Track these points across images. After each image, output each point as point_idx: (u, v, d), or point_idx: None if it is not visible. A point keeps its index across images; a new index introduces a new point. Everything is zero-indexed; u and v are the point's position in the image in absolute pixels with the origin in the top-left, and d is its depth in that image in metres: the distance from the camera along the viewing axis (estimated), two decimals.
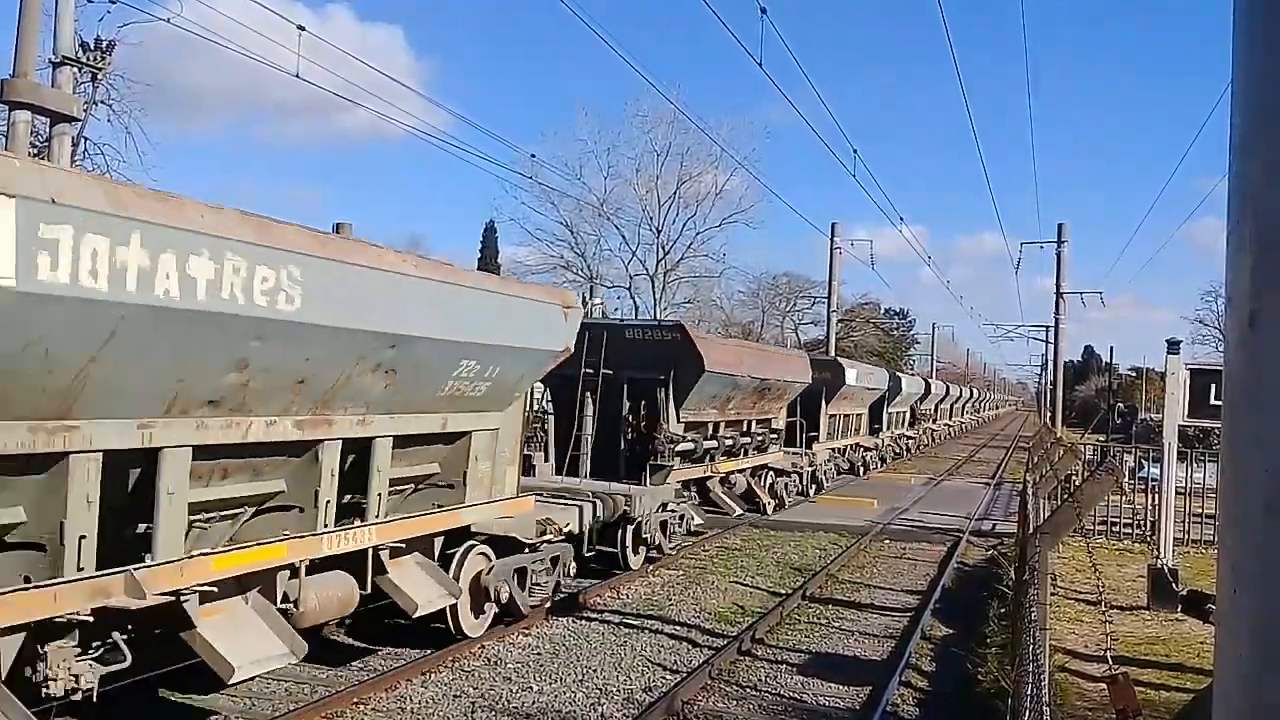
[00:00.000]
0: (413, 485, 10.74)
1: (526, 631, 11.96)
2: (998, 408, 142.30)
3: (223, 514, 8.31)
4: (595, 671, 10.50)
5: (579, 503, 13.74)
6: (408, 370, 9.17)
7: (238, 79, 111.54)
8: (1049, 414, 50.85)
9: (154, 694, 8.79)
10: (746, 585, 15.33)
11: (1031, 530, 10.12)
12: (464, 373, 10.19)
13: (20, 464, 6.38)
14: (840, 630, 12.82)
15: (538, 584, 12.18)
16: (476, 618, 11.21)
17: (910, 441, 45.70)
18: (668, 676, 10.38)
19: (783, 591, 14.84)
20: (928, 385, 53.06)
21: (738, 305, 69.33)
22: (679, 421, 18.25)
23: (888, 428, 39.29)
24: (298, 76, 17.98)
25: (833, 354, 40.29)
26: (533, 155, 42.07)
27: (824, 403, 28.86)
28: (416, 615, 9.93)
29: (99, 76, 17.23)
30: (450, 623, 10.85)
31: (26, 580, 6.50)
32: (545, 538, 12.20)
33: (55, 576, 6.50)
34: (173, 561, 7.20)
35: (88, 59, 14.53)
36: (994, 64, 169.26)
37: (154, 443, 7.07)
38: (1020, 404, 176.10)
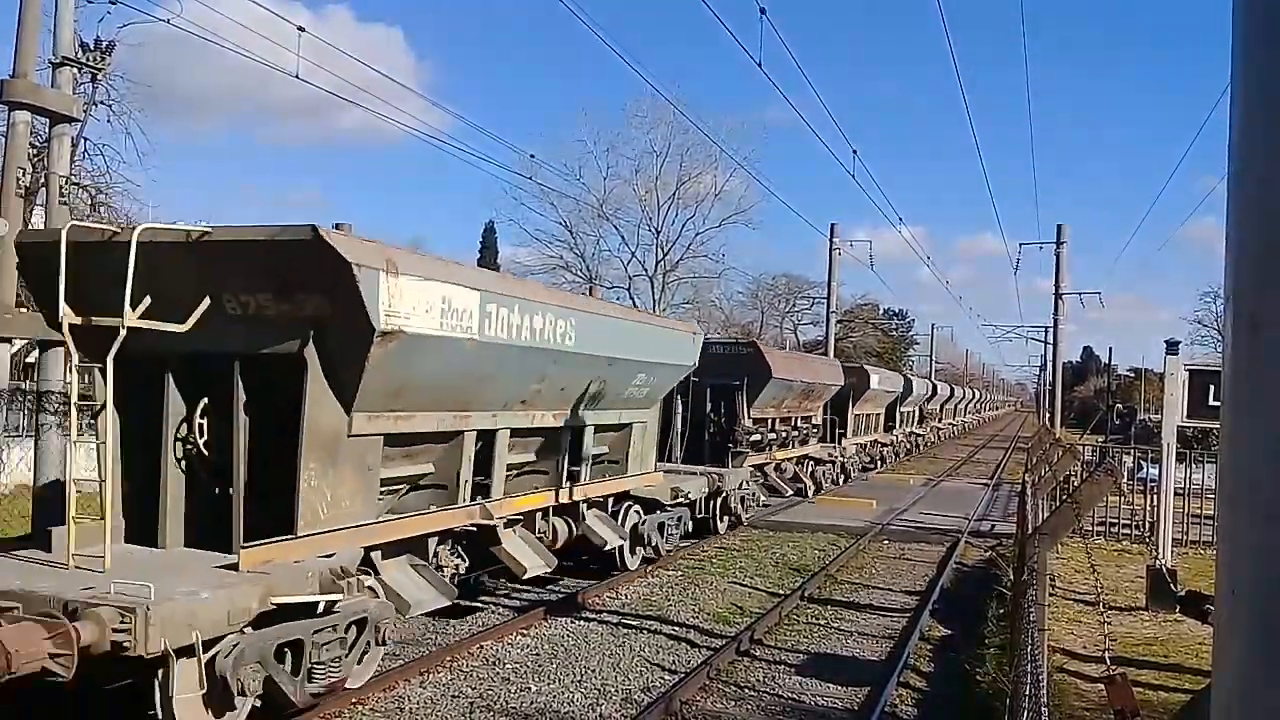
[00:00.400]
0: (596, 461, 14.88)
1: (525, 631, 11.96)
2: (997, 408, 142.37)
3: (515, 473, 12.67)
4: (593, 672, 10.50)
5: (705, 477, 18.22)
6: (612, 381, 13.85)
7: (237, 79, 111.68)
8: (1048, 415, 50.84)
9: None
10: (745, 586, 15.33)
11: (1030, 531, 10.12)
12: (637, 382, 14.81)
13: (439, 437, 10.67)
14: (839, 631, 12.82)
15: (670, 535, 16.50)
16: (634, 556, 15.50)
17: (919, 438, 49.74)
18: (666, 677, 10.38)
19: (781, 592, 14.84)
20: (934, 387, 57.11)
21: (737, 306, 69.45)
22: (750, 419, 22.74)
23: (900, 426, 43.59)
24: (297, 77, 17.98)
25: (831, 355, 40.62)
26: (532, 156, 42.22)
27: (851, 403, 32.90)
28: (606, 549, 14.48)
29: (99, 77, 17.18)
30: (619, 559, 15.20)
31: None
32: (676, 501, 16.45)
33: (450, 505, 10.94)
34: (499, 500, 11.80)
35: (88, 59, 14.48)
36: (993, 64, 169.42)
37: (497, 425, 11.55)
38: (1019, 404, 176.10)
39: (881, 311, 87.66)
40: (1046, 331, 51.69)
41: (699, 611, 13.48)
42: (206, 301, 8.41)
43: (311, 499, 8.71)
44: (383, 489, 9.95)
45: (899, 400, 42.25)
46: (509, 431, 11.84)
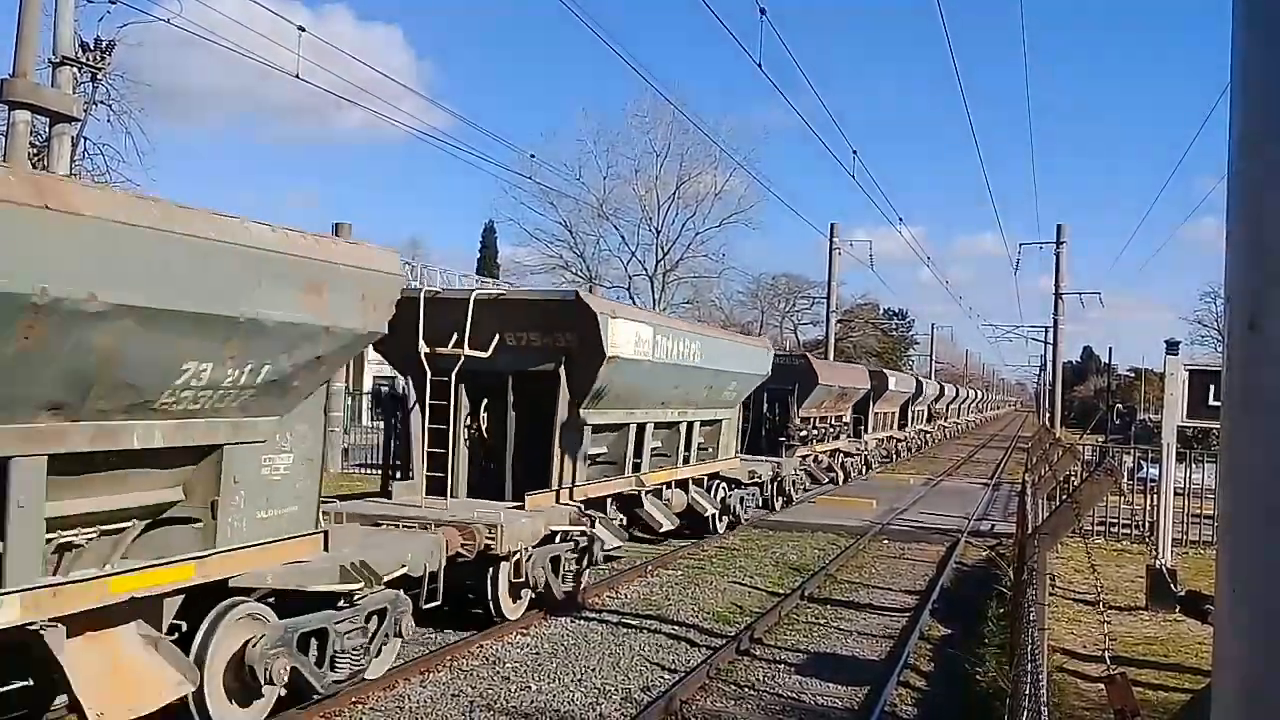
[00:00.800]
0: (700, 448, 18.97)
1: (525, 631, 11.96)
2: (997, 409, 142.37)
3: (651, 455, 16.40)
4: (594, 671, 10.50)
5: (770, 463, 22.73)
6: (715, 387, 18.36)
7: (237, 79, 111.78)
8: (1048, 414, 50.87)
9: None
10: (745, 585, 15.33)
11: (1030, 531, 10.11)
12: (730, 387, 19.29)
13: (614, 429, 15.08)
14: (839, 630, 12.82)
15: (747, 506, 21.14)
16: (721, 522, 19.77)
17: (928, 435, 53.75)
18: (666, 676, 10.38)
19: (781, 591, 14.85)
20: (941, 388, 61.20)
21: (737, 305, 69.60)
22: (798, 417, 26.58)
23: (912, 423, 47.42)
24: (298, 77, 17.99)
25: (831, 355, 40.78)
26: (532, 156, 42.25)
27: (872, 404, 36.42)
28: (705, 516, 18.82)
29: (99, 76, 17.22)
30: (713, 526, 19.31)
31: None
32: (751, 480, 20.92)
33: (618, 476, 15.41)
34: (648, 473, 16.08)
35: (87, 59, 14.52)
36: (993, 64, 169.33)
37: (648, 419, 15.87)
38: (1019, 404, 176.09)
39: (881, 311, 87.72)
40: (1046, 331, 51.80)
41: (699, 611, 13.49)
42: (497, 337, 12.81)
43: (558, 466, 13.29)
44: (589, 463, 14.50)
45: (911, 400, 45.88)
46: (653, 424, 16.19)
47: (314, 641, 8.33)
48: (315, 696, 8.66)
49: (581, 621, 12.58)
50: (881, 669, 10.99)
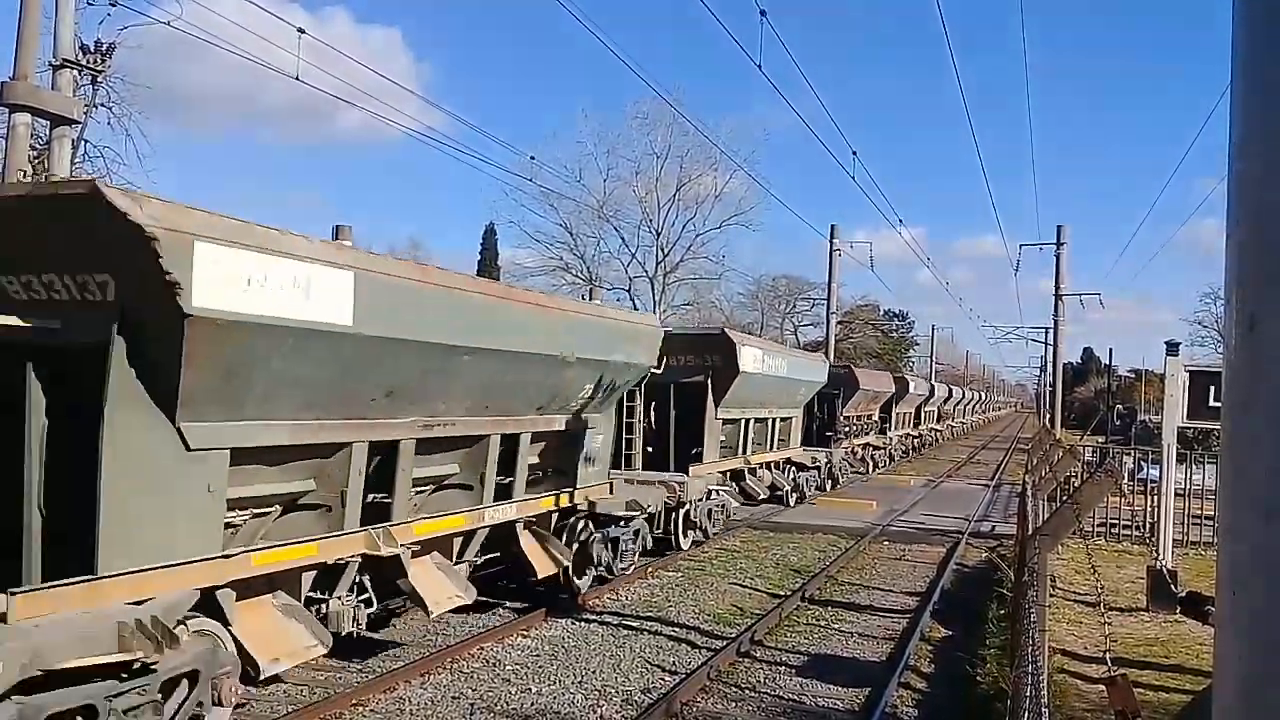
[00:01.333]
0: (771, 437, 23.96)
1: (525, 633, 11.96)
2: (999, 409, 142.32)
3: (751, 443, 21.98)
4: (594, 673, 10.50)
5: (824, 453, 28.49)
6: (791, 392, 23.76)
7: (236, 80, 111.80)
8: (1048, 415, 50.87)
9: None
10: (745, 587, 15.33)
11: (1030, 532, 10.10)
12: (800, 391, 25.11)
13: (733, 423, 20.94)
14: (839, 632, 12.82)
15: (810, 483, 26.52)
16: (793, 498, 25.13)
17: (938, 433, 58.22)
18: (666, 678, 10.38)
19: (782, 593, 14.84)
20: (950, 391, 66.61)
21: (737, 307, 69.54)
22: (843, 416, 32.14)
23: (924, 422, 52.39)
24: (298, 79, 17.98)
25: (831, 356, 40.84)
26: (532, 157, 42.22)
27: (894, 405, 41.57)
28: (783, 490, 24.37)
29: (99, 79, 17.20)
30: (786, 499, 24.58)
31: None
32: (813, 465, 27.04)
33: (733, 457, 21.19)
34: (750, 455, 21.97)
35: (88, 61, 14.50)
36: (993, 65, 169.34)
37: (759, 415, 22.21)
38: (1019, 405, 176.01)
39: (881, 312, 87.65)
40: (1047, 332, 51.75)
41: (699, 612, 13.48)
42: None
43: (707, 448, 19.27)
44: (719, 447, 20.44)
45: (924, 402, 50.91)
46: (754, 419, 22.47)
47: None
48: (319, 697, 8.56)
49: (582, 623, 12.58)
50: (882, 671, 10.98)
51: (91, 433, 6.55)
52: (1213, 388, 14.18)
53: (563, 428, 12.76)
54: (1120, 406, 74.08)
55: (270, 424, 7.84)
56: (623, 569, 14.73)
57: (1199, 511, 19.99)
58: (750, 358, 19.92)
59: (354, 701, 9.15)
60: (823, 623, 13.31)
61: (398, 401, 9.18)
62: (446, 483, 10.98)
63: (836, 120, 72.41)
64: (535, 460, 12.64)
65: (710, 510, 18.62)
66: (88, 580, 6.50)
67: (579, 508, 13.42)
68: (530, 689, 9.89)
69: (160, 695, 6.81)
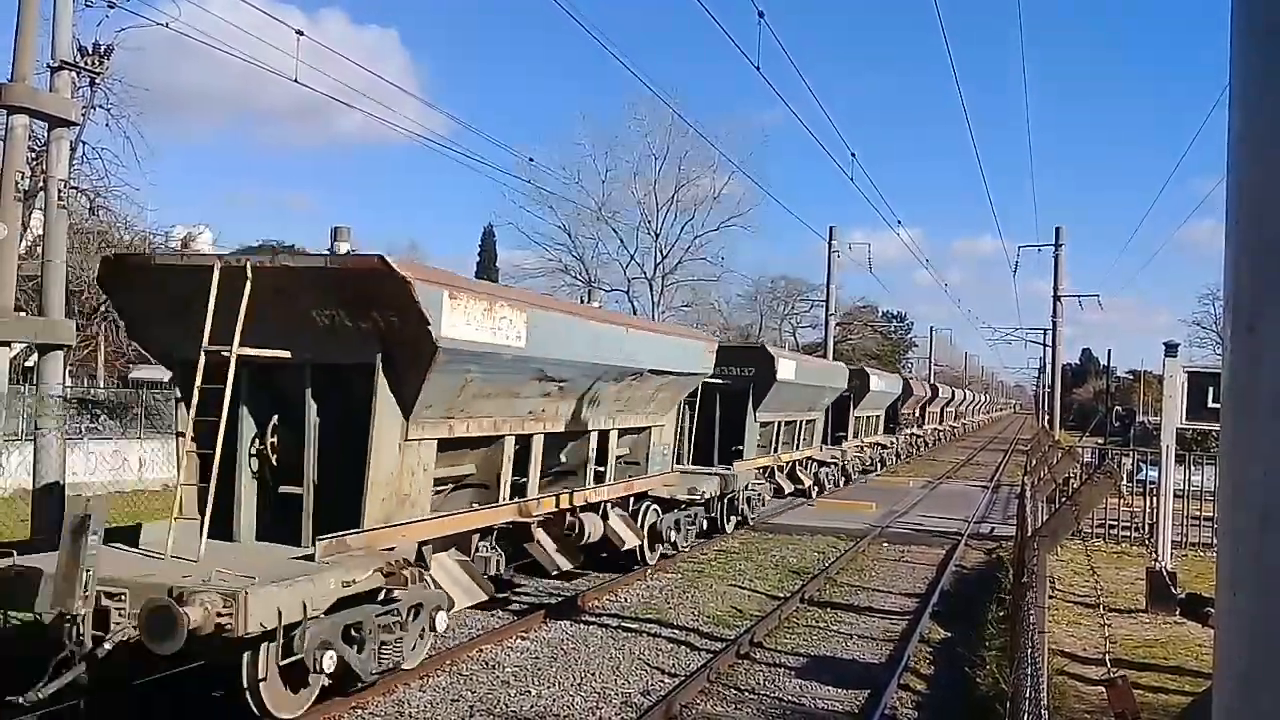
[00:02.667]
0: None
1: (525, 635, 11.95)
2: (999, 410, 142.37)
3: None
4: (593, 675, 10.49)
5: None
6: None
7: (233, 81, 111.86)
8: (1047, 417, 50.92)
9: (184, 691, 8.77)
10: (744, 589, 15.32)
11: (1030, 533, 10.11)
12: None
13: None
14: (839, 633, 12.81)
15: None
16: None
17: (943, 432, 60.49)
18: (666, 680, 10.37)
19: (781, 595, 14.83)
20: (954, 393, 69.83)
21: (736, 309, 69.51)
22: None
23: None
24: (296, 81, 17.99)
25: (830, 358, 40.91)
26: (531, 159, 42.22)
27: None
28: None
29: (97, 81, 17.21)
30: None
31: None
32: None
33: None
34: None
35: (86, 63, 14.48)
36: (991, 67, 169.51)
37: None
38: (1018, 407, 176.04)
39: (880, 314, 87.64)
40: (1045, 334, 51.78)
41: (699, 614, 13.47)
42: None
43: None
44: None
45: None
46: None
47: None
48: (312, 702, 8.66)
49: (581, 625, 12.57)
50: (882, 672, 10.98)
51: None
52: (1211, 389, 14.18)
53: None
54: (1119, 408, 74.11)
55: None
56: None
57: (1198, 513, 19.98)
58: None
59: (353, 704, 9.14)
60: (822, 624, 13.30)
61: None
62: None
63: (835, 121, 72.48)
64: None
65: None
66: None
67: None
68: (529, 691, 9.88)
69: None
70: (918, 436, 50.00)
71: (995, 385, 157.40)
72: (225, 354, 8.55)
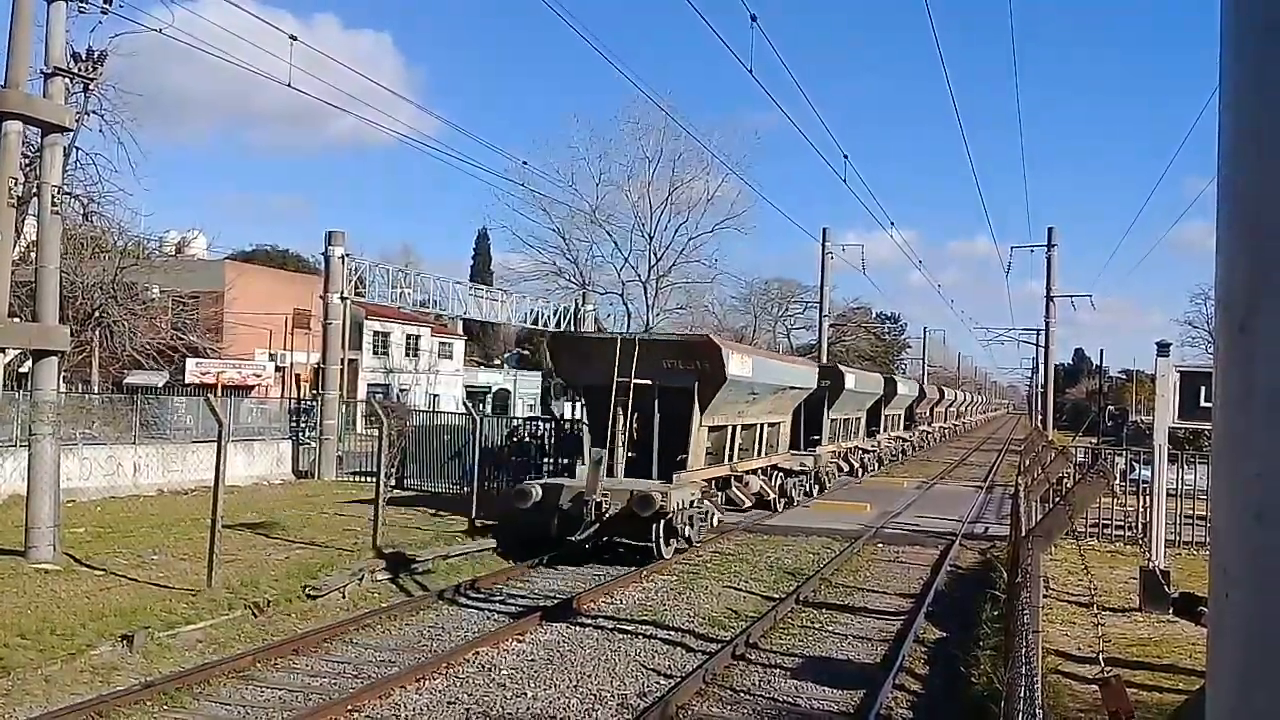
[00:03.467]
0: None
1: (521, 638, 11.95)
2: (993, 410, 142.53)
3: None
4: (589, 677, 10.49)
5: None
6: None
7: (226, 86, 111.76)
8: (1040, 417, 50.97)
9: None
10: (740, 590, 15.33)
11: (1023, 533, 10.12)
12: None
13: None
14: (834, 634, 12.83)
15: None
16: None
17: (929, 435, 60.13)
18: (662, 681, 10.37)
19: (776, 596, 14.84)
20: (941, 393, 68.97)
21: (730, 310, 69.51)
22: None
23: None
24: (290, 85, 17.99)
25: (824, 359, 40.98)
26: (525, 163, 42.07)
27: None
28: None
29: (91, 87, 17.16)
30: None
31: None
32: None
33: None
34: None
35: (80, 69, 14.47)
36: (983, 68, 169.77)
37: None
38: (1011, 407, 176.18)
39: (874, 315, 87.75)
40: (1038, 334, 51.88)
41: (694, 616, 13.48)
42: None
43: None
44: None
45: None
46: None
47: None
48: (314, 702, 8.61)
49: (577, 627, 12.57)
50: (877, 672, 10.99)
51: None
52: (1204, 388, 14.22)
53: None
54: (1112, 407, 74.29)
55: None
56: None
57: (1191, 512, 20.03)
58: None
59: (350, 707, 9.14)
60: (818, 625, 13.31)
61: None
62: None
63: (828, 123, 72.53)
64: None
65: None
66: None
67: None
68: (525, 694, 9.88)
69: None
70: (903, 440, 48.74)
71: (989, 386, 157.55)
72: (622, 381, 17.50)
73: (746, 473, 22.51)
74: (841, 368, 34.89)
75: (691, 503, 18.21)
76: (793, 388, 24.88)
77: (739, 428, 22.01)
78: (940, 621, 13.55)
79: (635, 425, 18.59)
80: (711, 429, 20.23)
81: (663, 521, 16.94)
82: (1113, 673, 4.50)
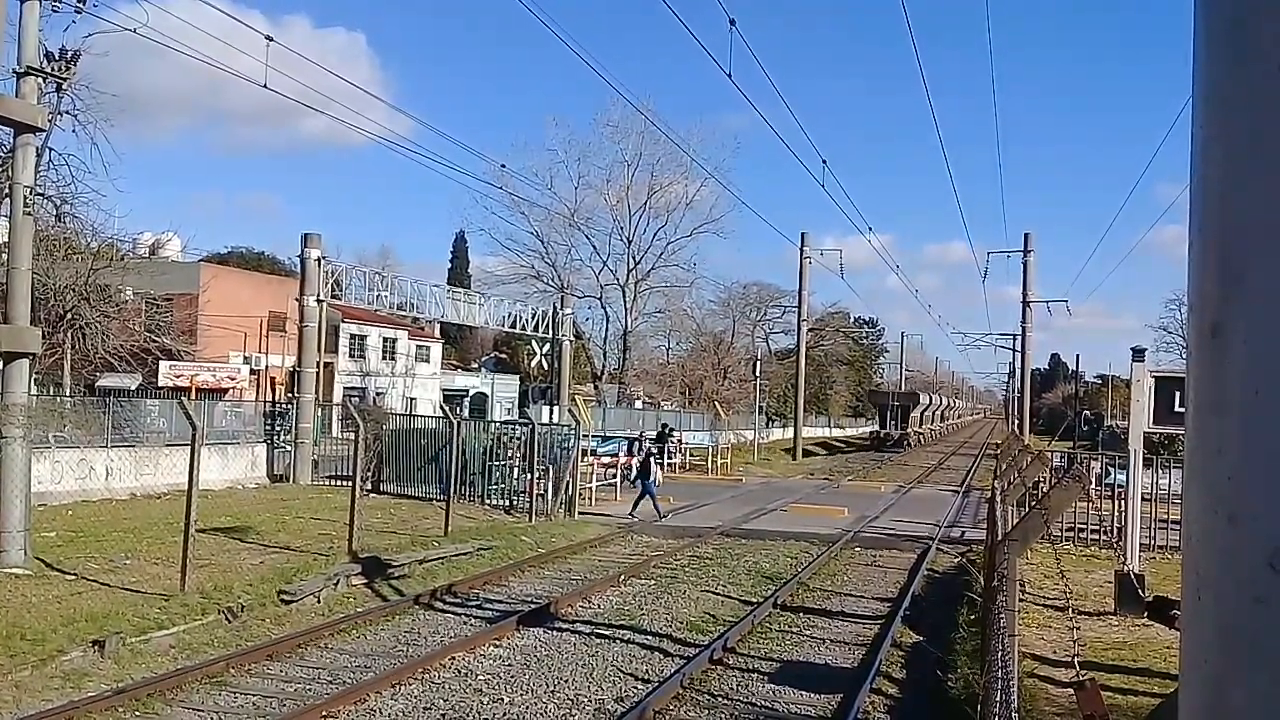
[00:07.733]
0: None
1: (498, 642, 11.90)
2: (970, 415, 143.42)
3: None
4: (567, 682, 10.46)
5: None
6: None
7: (197, 83, 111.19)
8: (1016, 421, 51.32)
9: None
10: (718, 594, 15.33)
11: (1000, 537, 10.17)
12: None
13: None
14: (812, 638, 12.84)
15: None
16: None
17: (918, 435, 65.15)
18: (640, 686, 10.35)
19: (754, 600, 14.85)
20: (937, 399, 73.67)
21: (708, 314, 69.68)
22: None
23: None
24: (265, 86, 17.89)
25: (802, 363, 41.05)
26: (503, 165, 42.13)
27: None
28: None
29: (64, 87, 17.00)
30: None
31: None
32: None
33: None
34: None
35: (53, 69, 14.34)
36: (960, 73, 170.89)
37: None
38: (988, 412, 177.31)
39: (852, 320, 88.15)
40: (1014, 339, 52.26)
41: (672, 620, 13.47)
42: None
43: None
44: None
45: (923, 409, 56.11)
46: None
47: None
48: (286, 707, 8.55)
49: (554, 632, 12.53)
50: (854, 676, 11.01)
51: None
52: (1178, 393, 14.33)
53: None
54: (1087, 412, 74.88)
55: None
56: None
57: (1165, 516, 20.16)
58: None
59: (325, 713, 9.07)
60: (795, 629, 13.33)
61: None
62: None
63: (806, 128, 72.85)
64: None
65: None
66: None
67: None
68: (502, 699, 9.84)
69: None
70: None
71: (965, 390, 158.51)
72: None
73: None
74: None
75: None
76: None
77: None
78: (917, 625, 13.59)
79: None
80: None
81: None
82: (1088, 676, 4.51)
